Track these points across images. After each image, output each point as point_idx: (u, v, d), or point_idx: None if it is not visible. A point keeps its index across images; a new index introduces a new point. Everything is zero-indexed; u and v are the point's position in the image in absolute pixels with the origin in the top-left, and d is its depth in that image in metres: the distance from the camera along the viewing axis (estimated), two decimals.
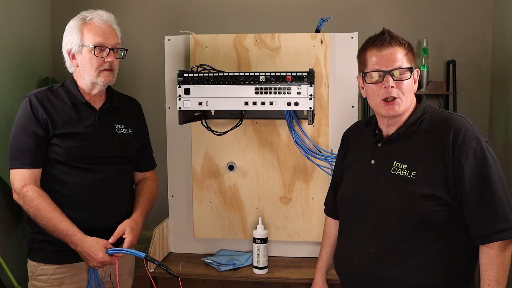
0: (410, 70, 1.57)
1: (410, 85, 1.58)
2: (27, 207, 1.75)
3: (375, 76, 1.57)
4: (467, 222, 1.51)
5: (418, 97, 1.66)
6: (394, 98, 1.56)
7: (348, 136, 1.83)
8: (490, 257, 1.48)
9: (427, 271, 1.51)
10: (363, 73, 1.61)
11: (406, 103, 1.58)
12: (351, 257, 1.63)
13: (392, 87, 1.54)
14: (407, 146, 1.58)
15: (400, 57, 1.56)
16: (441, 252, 1.52)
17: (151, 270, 2.17)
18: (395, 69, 1.55)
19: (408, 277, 1.52)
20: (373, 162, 1.63)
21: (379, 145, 1.64)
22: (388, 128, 1.65)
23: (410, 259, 1.52)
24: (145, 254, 1.78)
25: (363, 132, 1.75)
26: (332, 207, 1.86)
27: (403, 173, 1.55)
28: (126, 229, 1.84)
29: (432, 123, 1.58)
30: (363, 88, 1.65)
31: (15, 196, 1.78)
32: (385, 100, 1.57)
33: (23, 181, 1.76)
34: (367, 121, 1.76)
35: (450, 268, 1.52)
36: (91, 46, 1.79)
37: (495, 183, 1.48)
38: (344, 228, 1.72)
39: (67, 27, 1.85)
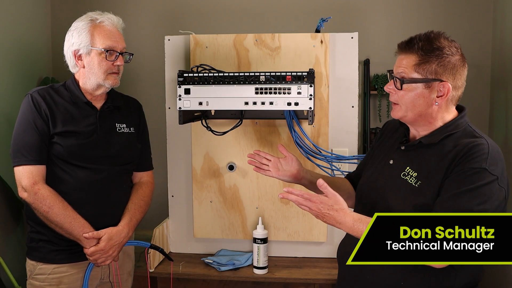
0: (401, 81, 1.50)
1: (408, 97, 1.51)
2: (40, 205, 1.74)
3: (389, 77, 1.59)
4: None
5: (460, 109, 1.58)
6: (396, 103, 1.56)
7: (386, 128, 1.80)
8: None
9: (410, 276, 1.50)
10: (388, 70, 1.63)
11: (407, 113, 1.53)
12: (348, 249, 1.62)
13: (390, 92, 1.55)
14: (425, 156, 1.54)
15: (405, 64, 1.50)
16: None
17: (151, 270, 2.17)
18: (394, 75, 1.53)
19: (392, 280, 1.52)
20: (391, 162, 1.63)
21: (402, 147, 1.62)
22: (416, 132, 1.60)
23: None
24: (149, 244, 1.94)
25: (399, 129, 1.71)
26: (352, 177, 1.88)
27: (411, 180, 1.53)
28: (104, 236, 1.81)
29: (458, 141, 1.50)
30: None
31: (23, 194, 1.77)
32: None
33: (32, 178, 1.75)
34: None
35: (458, 266, 1.49)
36: (102, 49, 1.80)
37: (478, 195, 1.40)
38: None
39: (73, 27, 1.84)
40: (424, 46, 1.47)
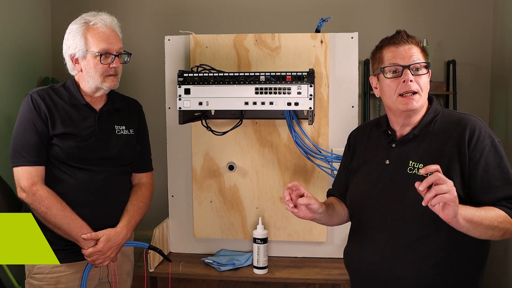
0: (427, 65, 1.58)
1: (427, 82, 1.59)
2: (38, 205, 1.74)
3: (393, 70, 1.58)
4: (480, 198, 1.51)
5: (429, 98, 1.67)
6: (414, 93, 1.56)
7: (355, 138, 1.81)
8: (499, 211, 1.46)
9: (442, 269, 1.51)
10: (381, 68, 1.60)
11: (423, 99, 1.59)
12: (366, 257, 1.61)
13: (411, 81, 1.55)
14: (422, 146, 1.59)
15: (417, 53, 1.58)
16: (456, 250, 1.52)
17: (151, 270, 2.17)
18: (414, 63, 1.56)
19: (425, 276, 1.52)
20: (387, 162, 1.63)
21: (393, 145, 1.63)
22: (402, 128, 1.64)
23: (427, 258, 1.52)
24: (148, 245, 1.95)
25: (372, 133, 1.74)
26: (338, 192, 1.83)
27: (420, 173, 1.55)
28: (102, 237, 1.81)
29: (446, 123, 1.60)
30: (376, 88, 1.66)
31: (22, 195, 1.77)
32: (401, 95, 1.57)
33: (30, 179, 1.75)
34: (377, 122, 1.75)
35: (463, 265, 1.52)
36: (96, 53, 1.78)
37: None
38: (357, 229, 1.70)
39: (68, 31, 1.83)
40: (416, 38, 1.63)
